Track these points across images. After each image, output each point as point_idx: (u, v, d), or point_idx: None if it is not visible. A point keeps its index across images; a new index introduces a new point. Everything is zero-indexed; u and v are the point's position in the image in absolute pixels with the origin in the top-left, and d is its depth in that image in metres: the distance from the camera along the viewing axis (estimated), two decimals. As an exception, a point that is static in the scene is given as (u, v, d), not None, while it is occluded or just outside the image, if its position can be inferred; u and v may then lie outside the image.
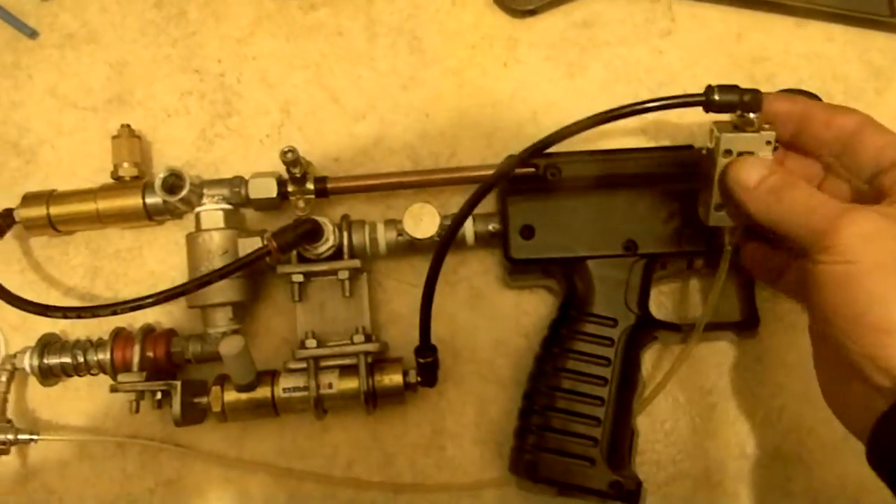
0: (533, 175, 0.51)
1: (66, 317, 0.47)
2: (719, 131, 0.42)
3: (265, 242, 0.49)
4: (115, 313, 0.47)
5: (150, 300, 0.47)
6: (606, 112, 0.43)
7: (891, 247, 0.36)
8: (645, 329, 0.50)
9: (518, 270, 0.53)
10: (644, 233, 0.50)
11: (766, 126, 0.42)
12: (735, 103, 0.42)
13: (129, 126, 0.57)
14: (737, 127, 0.42)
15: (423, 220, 0.51)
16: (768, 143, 0.42)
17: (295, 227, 0.49)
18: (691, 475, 0.54)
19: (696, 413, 0.55)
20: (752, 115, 0.42)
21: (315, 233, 0.50)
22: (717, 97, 0.42)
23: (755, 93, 0.42)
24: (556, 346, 0.50)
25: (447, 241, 0.47)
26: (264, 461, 0.55)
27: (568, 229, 0.50)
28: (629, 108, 0.43)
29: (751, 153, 0.42)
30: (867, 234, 0.36)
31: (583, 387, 0.49)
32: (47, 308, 0.48)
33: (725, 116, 0.43)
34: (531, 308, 0.56)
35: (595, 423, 0.48)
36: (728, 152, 0.42)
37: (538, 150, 0.45)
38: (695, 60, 0.58)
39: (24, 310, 0.49)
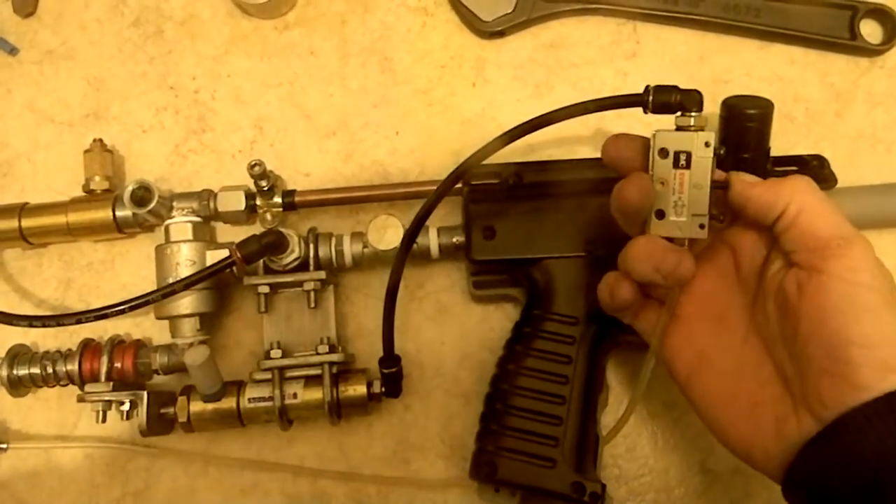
0: (496, 182, 0.53)
1: (31, 325, 0.49)
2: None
3: (230, 253, 0.51)
4: (79, 322, 0.49)
5: (114, 309, 0.49)
6: (549, 113, 0.44)
7: (884, 272, 0.38)
8: (606, 328, 0.51)
9: (481, 271, 0.55)
10: (602, 234, 0.52)
11: (704, 127, 0.42)
12: (671, 103, 0.42)
13: (101, 140, 0.59)
14: (679, 129, 0.42)
15: (388, 232, 0.54)
16: (707, 144, 0.41)
17: (259, 238, 0.51)
18: (653, 489, 0.56)
19: (658, 427, 0.57)
20: (690, 115, 0.42)
21: (279, 244, 0.52)
22: (653, 97, 0.43)
23: (692, 92, 0.42)
24: (518, 344, 0.52)
25: (407, 246, 0.49)
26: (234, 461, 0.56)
27: (529, 231, 0.52)
28: (570, 108, 0.44)
29: (688, 153, 0.42)
30: (872, 256, 0.38)
31: (544, 385, 0.50)
32: (13, 317, 0.50)
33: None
34: (497, 323, 0.58)
35: (556, 422, 0.49)
36: (664, 151, 0.42)
37: (482, 155, 0.47)
38: (658, 82, 0.59)
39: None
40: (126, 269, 0.60)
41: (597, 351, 0.51)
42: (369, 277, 0.59)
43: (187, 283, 0.50)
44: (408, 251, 0.49)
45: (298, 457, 0.57)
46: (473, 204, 0.53)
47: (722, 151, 0.42)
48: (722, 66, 0.61)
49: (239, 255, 0.50)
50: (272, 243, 0.51)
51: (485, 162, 0.52)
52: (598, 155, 0.55)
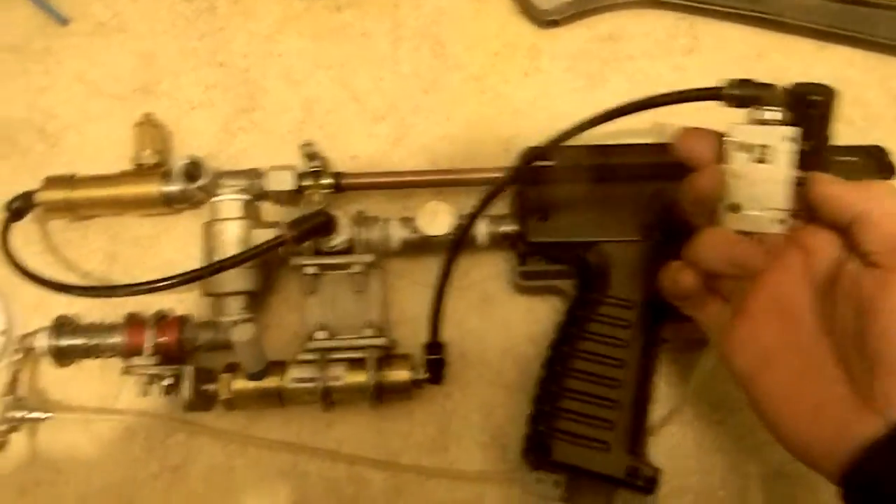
0: (551, 165, 0.54)
1: (84, 295, 0.50)
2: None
3: (280, 232, 0.52)
4: (132, 294, 0.50)
5: (165, 283, 0.50)
6: (626, 105, 0.45)
7: None
8: (662, 316, 0.51)
9: (533, 256, 0.55)
10: (659, 220, 0.52)
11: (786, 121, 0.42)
12: (750, 97, 0.43)
13: (151, 114, 0.60)
14: (757, 122, 0.43)
15: (438, 218, 0.54)
16: (790, 139, 0.42)
17: (309, 219, 0.51)
18: (693, 490, 0.56)
19: (703, 428, 0.57)
20: (771, 109, 0.42)
21: (329, 225, 0.53)
22: (731, 90, 0.43)
23: (771, 86, 0.43)
24: (572, 327, 0.52)
25: (462, 236, 0.50)
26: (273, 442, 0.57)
27: (584, 214, 0.53)
28: (647, 101, 0.45)
29: (768, 147, 0.42)
30: None
31: (599, 368, 0.50)
32: (66, 287, 0.50)
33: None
34: (541, 315, 0.59)
35: (611, 405, 0.49)
36: (741, 145, 0.42)
37: (554, 143, 0.47)
38: (715, 78, 0.60)
39: (44, 287, 0.51)
40: (171, 244, 0.61)
41: (653, 337, 0.51)
42: (414, 263, 0.59)
43: (239, 260, 0.51)
44: (464, 239, 0.50)
45: (337, 440, 0.57)
46: (528, 186, 0.53)
47: (807, 147, 0.42)
48: (779, 65, 0.61)
49: (289, 234, 0.51)
50: (323, 224, 0.52)
51: (536, 144, 0.53)
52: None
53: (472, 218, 0.50)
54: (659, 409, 0.55)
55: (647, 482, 0.49)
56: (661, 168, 0.53)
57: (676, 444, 0.56)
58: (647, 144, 0.55)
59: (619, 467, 0.49)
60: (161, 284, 0.50)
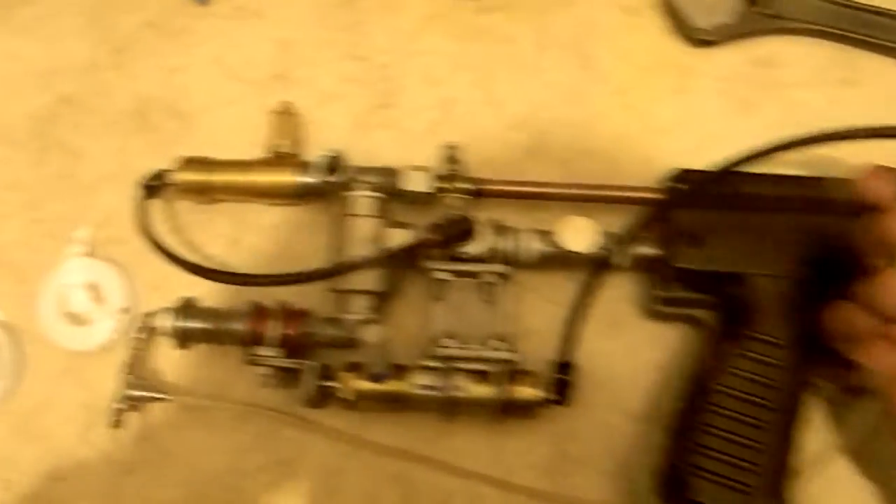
0: (701, 189, 0.52)
1: (230, 282, 0.50)
2: None
3: (423, 235, 0.51)
4: (275, 284, 0.49)
5: (310, 275, 0.49)
6: (811, 135, 0.44)
7: None
8: (814, 357, 0.50)
9: (676, 281, 0.53)
10: (815, 257, 0.50)
11: None
12: None
13: (288, 103, 0.60)
14: None
15: (581, 234, 0.53)
16: None
17: (455, 223, 0.50)
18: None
19: (853, 487, 0.54)
20: None
21: (469, 232, 0.52)
22: None
23: None
24: (715, 360, 0.50)
25: (612, 255, 0.48)
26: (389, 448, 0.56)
27: (735, 244, 0.51)
28: (835, 133, 0.43)
29: None
30: None
31: (743, 406, 0.48)
32: (211, 271, 0.50)
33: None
34: (671, 343, 0.57)
35: (757, 446, 0.48)
36: None
37: (723, 169, 0.46)
38: (873, 115, 0.58)
39: (184, 269, 0.51)
40: (296, 236, 0.60)
41: (802, 378, 0.50)
42: (543, 278, 0.58)
43: (379, 260, 0.50)
44: (610, 259, 0.48)
45: (453, 451, 0.56)
46: (678, 209, 0.52)
47: None
48: (942, 105, 0.58)
49: (436, 236, 0.50)
50: (468, 230, 0.51)
51: (690, 167, 0.51)
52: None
53: (628, 238, 0.48)
54: (803, 457, 0.52)
55: None
56: (818, 202, 0.52)
57: (820, 499, 0.54)
58: (804, 177, 0.53)
59: None
60: (304, 277, 0.49)
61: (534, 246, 0.54)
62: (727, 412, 0.49)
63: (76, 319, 0.59)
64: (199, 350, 0.58)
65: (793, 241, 0.51)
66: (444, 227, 0.50)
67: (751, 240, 0.51)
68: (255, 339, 0.54)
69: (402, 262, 0.55)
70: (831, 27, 0.58)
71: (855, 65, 0.59)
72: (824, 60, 0.59)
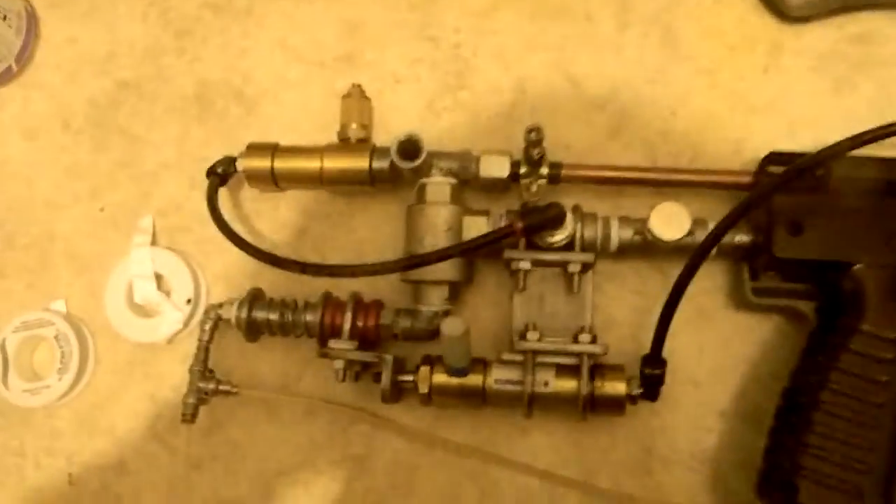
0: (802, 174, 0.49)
1: (304, 272, 0.48)
2: None
3: (508, 223, 0.48)
4: (353, 275, 0.47)
5: (388, 266, 0.47)
6: None
7: None
8: None
9: (779, 269, 0.51)
10: None
11: None
12: None
13: (360, 86, 0.58)
14: None
15: (673, 221, 0.50)
16: None
17: (543, 211, 0.48)
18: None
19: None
20: None
21: (560, 219, 0.49)
22: None
23: None
24: (820, 356, 0.48)
25: (711, 245, 0.46)
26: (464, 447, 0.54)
27: (838, 232, 0.48)
28: None
29: None
30: None
31: (852, 404, 0.46)
32: (285, 261, 0.48)
33: None
34: (764, 336, 0.54)
35: (867, 446, 0.45)
36: None
37: (831, 152, 0.43)
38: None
39: (260, 260, 0.50)
40: (365, 224, 0.58)
41: None
42: (623, 267, 0.56)
43: (464, 249, 0.48)
44: (711, 248, 0.46)
45: (532, 448, 0.54)
46: (779, 195, 0.49)
47: None
48: None
49: (521, 225, 0.47)
50: (556, 217, 0.48)
51: (787, 150, 0.49)
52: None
53: (728, 226, 0.46)
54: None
55: None
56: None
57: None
58: None
59: None
60: (383, 267, 0.47)
61: (622, 234, 0.52)
62: (835, 410, 0.46)
63: (142, 311, 0.57)
64: (268, 343, 0.56)
65: None
66: (533, 214, 0.48)
67: (856, 226, 0.48)
68: (328, 332, 0.53)
69: (482, 252, 0.53)
70: (934, 0, 0.55)
71: (959, 41, 0.56)
72: (925, 36, 0.56)
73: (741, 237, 0.51)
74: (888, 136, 0.43)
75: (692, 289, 0.54)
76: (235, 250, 0.53)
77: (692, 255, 0.46)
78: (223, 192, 0.58)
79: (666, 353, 0.53)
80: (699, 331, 0.55)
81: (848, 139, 0.43)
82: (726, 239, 0.51)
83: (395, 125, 0.59)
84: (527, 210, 0.48)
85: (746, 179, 0.52)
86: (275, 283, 0.57)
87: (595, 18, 0.58)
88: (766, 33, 0.57)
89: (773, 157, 0.52)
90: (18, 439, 0.58)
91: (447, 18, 0.60)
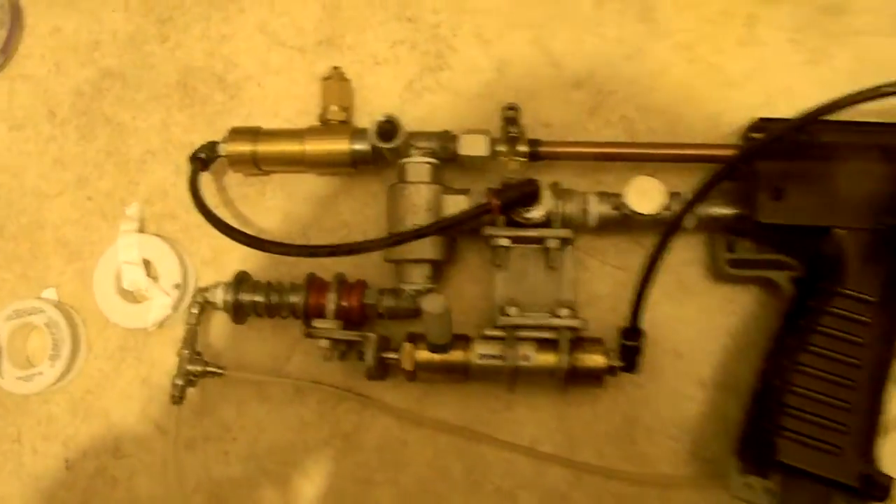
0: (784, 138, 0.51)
1: (286, 253, 0.50)
2: None
3: (485, 200, 0.51)
4: (332, 254, 0.50)
5: (370, 245, 0.49)
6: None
7: None
8: None
9: (761, 235, 0.53)
10: None
11: None
12: None
13: (339, 69, 0.60)
14: None
15: (648, 196, 0.52)
16: None
17: (519, 187, 0.50)
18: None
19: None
20: None
21: (535, 195, 0.51)
22: None
23: None
24: (801, 319, 0.50)
25: (681, 217, 0.48)
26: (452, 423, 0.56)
27: (820, 196, 0.50)
28: None
29: None
30: None
31: (831, 366, 0.48)
32: (267, 243, 0.51)
33: None
34: (742, 306, 0.56)
35: (845, 406, 0.47)
36: None
37: (804, 119, 0.45)
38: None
39: (241, 242, 0.52)
40: (348, 206, 0.60)
41: (893, 336, 0.49)
42: (604, 242, 0.58)
43: (442, 227, 0.50)
44: (681, 219, 0.48)
45: (517, 421, 0.56)
46: (762, 161, 0.51)
47: None
48: None
49: (497, 202, 0.49)
50: (531, 193, 0.51)
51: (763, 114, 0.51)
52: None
53: (698, 198, 0.48)
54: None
55: (882, 491, 0.46)
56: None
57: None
58: (889, 124, 0.52)
59: (851, 474, 0.47)
60: (365, 246, 0.49)
61: (599, 209, 0.54)
62: (815, 372, 0.48)
63: (131, 297, 0.60)
64: (256, 324, 0.59)
65: (880, 193, 0.50)
66: (509, 190, 0.50)
67: (835, 191, 0.50)
68: (313, 312, 0.55)
69: (461, 230, 0.55)
70: (909, -32, 0.56)
71: (934, 8, 0.57)
72: (900, 5, 0.58)
73: (719, 209, 0.53)
74: (862, 101, 0.45)
75: (673, 261, 0.57)
76: (222, 235, 0.55)
77: (668, 223, 0.48)
78: (209, 178, 0.61)
79: (647, 325, 0.55)
80: (680, 303, 0.57)
81: (822, 106, 0.44)
82: (705, 211, 0.53)
83: (376, 106, 0.61)
84: (502, 188, 0.50)
85: (725, 152, 0.54)
86: (262, 266, 0.59)
87: (573, -5, 0.60)
88: (742, 6, 0.59)
89: (758, 126, 0.53)
90: (15, 426, 0.61)
91: (426, -1, 0.62)
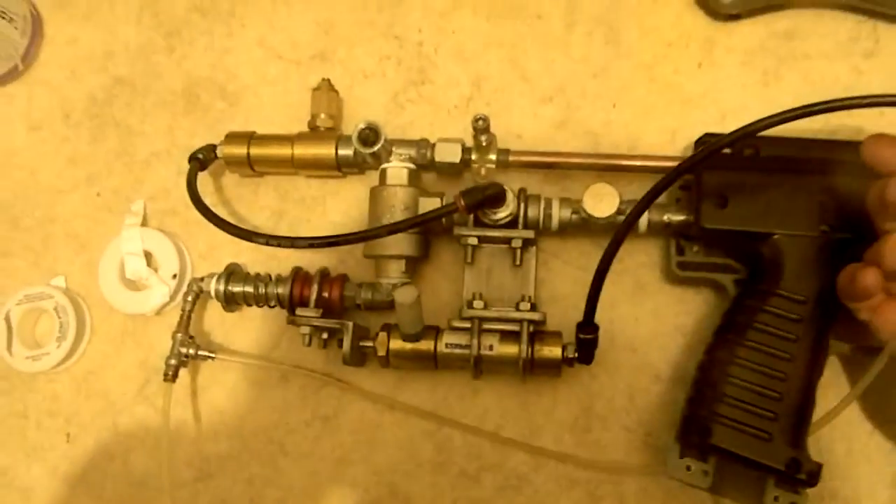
0: (731, 152, 0.56)
1: (268, 243, 0.56)
2: None
3: (453, 200, 0.56)
4: (311, 246, 0.55)
5: (344, 238, 0.55)
6: (851, 98, 0.44)
7: None
8: (834, 314, 0.53)
9: (706, 240, 0.58)
10: (837, 217, 0.54)
11: None
12: None
13: (329, 80, 0.65)
14: None
15: (604, 200, 0.57)
16: None
17: (483, 189, 0.55)
18: (840, 497, 0.58)
19: (853, 435, 0.58)
20: None
21: (500, 198, 0.57)
22: None
23: None
24: (740, 315, 0.54)
25: (634, 219, 0.52)
26: (422, 408, 0.62)
27: (761, 204, 0.55)
28: (849, 100, 0.44)
29: None
30: None
31: (765, 359, 0.52)
32: (252, 233, 0.56)
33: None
34: (693, 307, 0.61)
35: (776, 396, 0.52)
36: None
37: (741, 136, 0.49)
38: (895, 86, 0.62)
39: (230, 233, 0.57)
40: (336, 207, 0.66)
41: (823, 334, 0.53)
42: (568, 244, 0.63)
43: (414, 223, 0.55)
44: (634, 222, 0.52)
45: (483, 407, 0.61)
46: (707, 171, 0.56)
47: None
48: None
49: (463, 202, 0.55)
50: (495, 196, 0.56)
51: (716, 131, 0.56)
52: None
53: (648, 202, 0.52)
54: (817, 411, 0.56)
55: (809, 475, 0.51)
56: (841, 164, 0.55)
57: (827, 446, 0.58)
58: (829, 140, 0.57)
59: (780, 458, 0.51)
60: (340, 239, 0.55)
61: (561, 213, 0.59)
62: (750, 364, 0.53)
63: (133, 285, 0.65)
64: (248, 314, 0.64)
65: (816, 202, 0.55)
66: (475, 192, 0.55)
67: (776, 200, 0.55)
68: (298, 302, 0.60)
69: (435, 229, 0.61)
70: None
71: (878, 36, 0.62)
72: (846, 32, 0.63)
73: (671, 215, 0.58)
74: (792, 119, 0.49)
75: (631, 264, 0.62)
76: (218, 231, 0.60)
77: (619, 226, 0.53)
78: (208, 178, 0.67)
79: (606, 322, 0.60)
80: (637, 302, 0.62)
81: (756, 122, 0.49)
82: (657, 217, 0.59)
83: (363, 116, 0.65)
84: (468, 190, 0.56)
85: (674, 164, 0.59)
86: (255, 260, 0.65)
87: (546, 18, 0.66)
88: (700, 31, 0.64)
89: (705, 140, 0.59)
90: (22, 402, 0.66)
91: (411, 18, 0.67)
